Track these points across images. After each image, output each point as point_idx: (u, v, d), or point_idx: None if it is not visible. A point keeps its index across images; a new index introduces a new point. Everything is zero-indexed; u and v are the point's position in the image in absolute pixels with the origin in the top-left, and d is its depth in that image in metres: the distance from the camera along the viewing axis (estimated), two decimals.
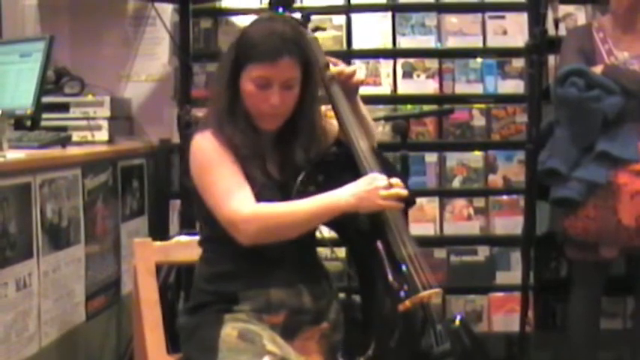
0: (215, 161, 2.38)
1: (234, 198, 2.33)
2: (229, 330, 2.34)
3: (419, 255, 2.39)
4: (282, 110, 2.41)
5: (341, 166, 2.49)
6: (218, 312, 2.38)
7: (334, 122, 2.59)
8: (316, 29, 2.80)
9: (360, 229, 2.46)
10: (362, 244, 2.49)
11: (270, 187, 2.40)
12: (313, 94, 2.48)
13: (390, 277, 2.39)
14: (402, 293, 2.35)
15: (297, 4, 4.42)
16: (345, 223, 2.46)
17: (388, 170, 2.44)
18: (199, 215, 2.54)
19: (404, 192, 2.36)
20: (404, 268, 2.35)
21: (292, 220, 2.34)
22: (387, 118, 3.93)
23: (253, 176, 2.38)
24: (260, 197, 2.35)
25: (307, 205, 2.33)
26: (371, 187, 2.31)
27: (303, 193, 2.39)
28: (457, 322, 2.51)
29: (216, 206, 2.35)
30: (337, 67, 2.61)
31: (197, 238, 2.60)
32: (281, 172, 2.46)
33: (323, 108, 2.59)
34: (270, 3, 2.86)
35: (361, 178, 2.36)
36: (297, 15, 2.79)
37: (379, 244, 2.41)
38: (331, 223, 2.50)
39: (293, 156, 2.45)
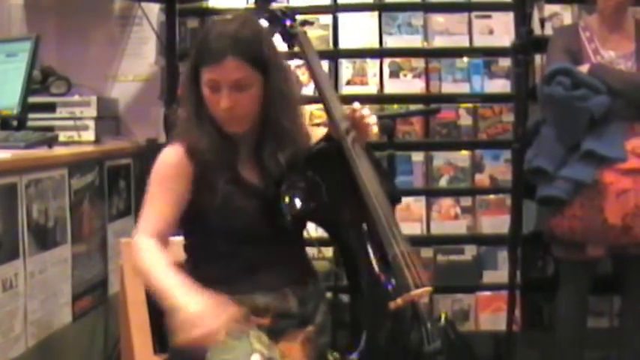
0: (156, 182, 2.40)
1: (144, 221, 2.36)
2: None
3: (411, 253, 2.41)
4: (239, 113, 2.37)
5: (330, 161, 2.48)
6: None
7: (318, 130, 2.60)
8: (304, 23, 2.80)
9: (350, 227, 2.46)
10: (352, 243, 2.49)
11: (241, 194, 2.40)
12: (278, 93, 2.42)
13: (381, 276, 2.40)
14: (393, 291, 2.36)
15: (284, 4, 4.43)
16: (333, 221, 2.47)
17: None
18: (182, 229, 2.52)
19: None
20: (397, 265, 2.36)
21: (145, 278, 2.28)
22: None
23: (216, 186, 2.37)
24: (227, 206, 2.37)
25: (160, 282, 2.18)
26: (191, 327, 2.05)
27: (292, 194, 2.39)
28: (443, 320, 2.52)
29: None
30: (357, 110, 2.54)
31: (175, 239, 2.57)
32: (260, 178, 2.46)
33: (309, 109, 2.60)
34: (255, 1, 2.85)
35: (184, 316, 2.06)
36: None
37: (369, 242, 2.42)
38: (320, 222, 2.50)
39: (264, 160, 2.44)
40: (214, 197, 2.37)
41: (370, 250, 2.44)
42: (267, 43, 2.42)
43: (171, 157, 2.41)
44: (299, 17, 2.85)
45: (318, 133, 2.60)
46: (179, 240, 2.56)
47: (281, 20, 2.78)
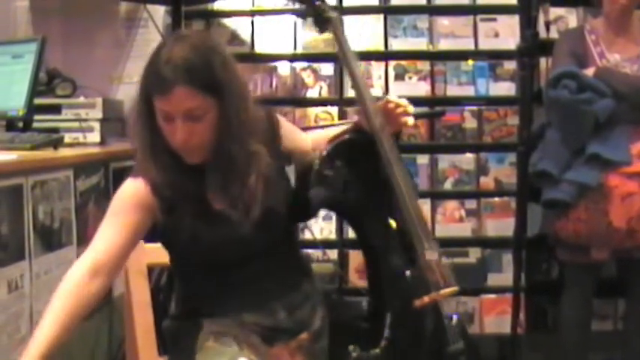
0: (112, 212, 2.27)
1: (86, 251, 2.23)
2: (206, 335, 2.33)
3: (439, 252, 2.39)
4: (196, 143, 2.20)
5: (359, 152, 2.45)
6: (197, 317, 2.36)
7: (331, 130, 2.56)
8: (335, 8, 2.65)
9: (376, 220, 2.45)
10: (376, 235, 2.47)
11: (211, 225, 2.26)
12: (228, 121, 2.21)
13: (405, 272, 2.39)
14: (419, 289, 2.35)
15: (290, 7, 4.45)
16: (359, 212, 2.45)
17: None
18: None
19: None
20: (424, 263, 2.35)
21: None
22: None
23: (182, 223, 2.25)
24: (197, 242, 2.26)
25: (40, 324, 2.11)
26: None
27: (322, 178, 2.37)
28: (456, 320, 2.51)
29: None
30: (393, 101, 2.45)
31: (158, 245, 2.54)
32: (230, 200, 2.27)
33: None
34: None
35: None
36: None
37: (395, 236, 2.41)
38: (346, 213, 2.48)
39: (220, 189, 2.27)
40: (181, 234, 2.26)
41: (396, 245, 2.42)
42: (221, 65, 2.20)
43: (131, 190, 2.27)
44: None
45: (324, 134, 2.57)
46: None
47: (316, 5, 2.62)
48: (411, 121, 2.45)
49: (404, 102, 2.45)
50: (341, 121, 4.25)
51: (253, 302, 2.35)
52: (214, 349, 2.29)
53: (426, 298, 2.33)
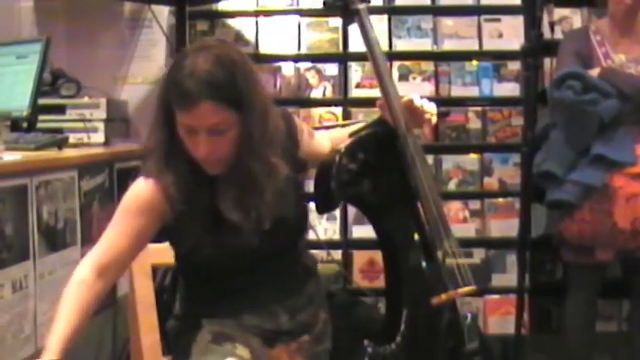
0: (121, 212, 2.28)
1: (92, 251, 2.23)
2: (205, 334, 2.33)
3: (459, 250, 2.40)
4: (218, 156, 2.18)
5: (380, 145, 2.44)
6: (198, 317, 2.37)
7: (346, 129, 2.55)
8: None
9: (396, 214, 2.44)
10: (396, 231, 2.46)
11: (218, 234, 2.24)
12: (249, 136, 2.19)
13: (429, 270, 2.39)
14: (437, 287, 2.34)
15: (293, 7, 4.45)
16: (380, 206, 2.44)
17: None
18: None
19: None
20: (443, 261, 2.35)
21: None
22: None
23: (187, 233, 2.25)
24: (200, 254, 2.26)
25: (56, 319, 2.13)
26: None
27: (344, 171, 2.37)
28: (470, 319, 2.51)
29: None
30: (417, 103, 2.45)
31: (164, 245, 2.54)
32: (242, 209, 2.24)
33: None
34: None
35: None
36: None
37: (415, 232, 2.41)
38: (366, 206, 2.48)
39: (230, 203, 2.24)
40: (185, 241, 2.28)
41: (416, 241, 2.42)
42: (244, 79, 2.16)
43: (140, 191, 2.27)
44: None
45: (344, 132, 2.55)
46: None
47: None
48: (434, 119, 2.46)
49: (429, 108, 2.46)
50: (345, 122, 4.26)
51: (254, 306, 2.35)
52: (207, 347, 2.29)
53: (443, 296, 2.33)
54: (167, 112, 2.19)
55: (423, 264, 2.42)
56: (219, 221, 2.24)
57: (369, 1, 2.56)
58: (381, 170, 2.45)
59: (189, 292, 2.44)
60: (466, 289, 2.35)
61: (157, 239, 2.35)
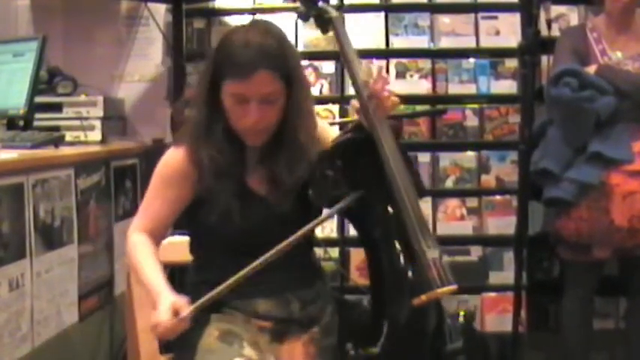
0: (157, 182, 2.43)
1: (138, 216, 2.45)
2: (212, 330, 2.35)
3: (438, 250, 2.38)
4: (264, 125, 2.30)
5: (358, 151, 2.44)
6: (205, 312, 2.35)
7: (329, 133, 2.55)
8: (338, 7, 2.66)
9: (377, 219, 2.45)
10: (377, 235, 2.46)
11: (245, 206, 2.34)
12: (298, 107, 2.34)
13: (406, 271, 2.39)
14: (417, 287, 2.35)
15: (290, 4, 4.44)
16: (360, 212, 2.45)
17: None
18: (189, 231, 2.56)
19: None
20: (422, 261, 2.35)
21: (133, 270, 2.42)
22: None
23: (217, 199, 2.33)
24: (227, 220, 2.33)
25: (146, 272, 2.32)
26: (154, 321, 2.17)
27: (322, 181, 2.38)
28: (462, 318, 2.51)
29: None
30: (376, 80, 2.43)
31: (181, 239, 2.62)
32: (267, 186, 2.39)
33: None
34: None
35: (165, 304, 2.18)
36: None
37: (396, 235, 2.41)
38: (347, 212, 2.49)
39: (276, 171, 2.37)
40: (215, 210, 2.34)
41: (396, 244, 2.42)
42: (292, 53, 2.33)
43: (174, 160, 2.40)
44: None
45: (332, 134, 2.56)
46: (186, 240, 2.57)
47: (317, 5, 2.61)
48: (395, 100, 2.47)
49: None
50: (342, 120, 4.26)
51: (269, 290, 2.39)
52: (214, 345, 2.31)
53: (423, 297, 2.33)
54: (213, 87, 2.30)
55: (404, 265, 2.42)
56: (246, 192, 2.38)
57: (343, 8, 2.58)
58: (360, 175, 2.46)
59: (206, 275, 2.43)
60: (445, 289, 2.35)
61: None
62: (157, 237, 2.42)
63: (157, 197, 2.41)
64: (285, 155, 2.36)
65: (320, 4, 2.61)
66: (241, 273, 2.17)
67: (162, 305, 2.16)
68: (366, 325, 2.47)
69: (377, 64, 4.42)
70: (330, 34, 2.64)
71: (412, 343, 2.41)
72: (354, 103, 2.48)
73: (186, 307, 2.15)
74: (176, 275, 3.43)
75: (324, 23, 2.61)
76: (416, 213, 2.39)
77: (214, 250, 2.42)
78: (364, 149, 2.42)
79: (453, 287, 2.35)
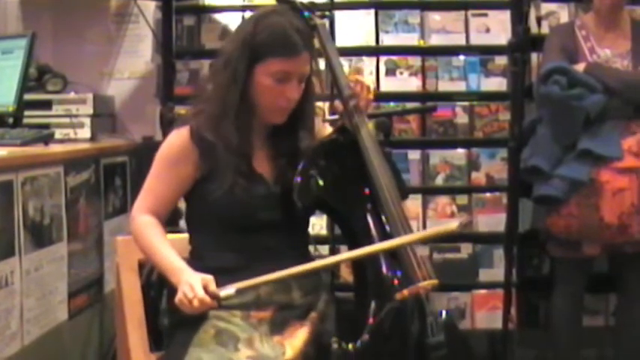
0: (160, 163, 2.49)
1: (141, 198, 2.50)
2: (208, 327, 2.35)
3: (417, 245, 2.44)
4: (294, 103, 2.44)
5: (342, 151, 2.50)
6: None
7: (321, 130, 2.62)
8: (323, 16, 2.77)
9: (359, 217, 2.46)
10: (360, 233, 2.49)
11: (249, 185, 2.42)
12: (312, 91, 2.52)
13: (387, 266, 2.41)
14: (399, 282, 2.37)
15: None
16: (343, 210, 2.48)
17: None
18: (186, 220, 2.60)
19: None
20: (404, 257, 2.37)
21: (144, 251, 2.48)
22: (370, 116, 3.92)
23: (223, 176, 2.40)
24: (232, 197, 2.39)
25: (162, 251, 2.40)
26: (189, 295, 2.23)
27: (305, 179, 2.42)
28: (445, 316, 2.53)
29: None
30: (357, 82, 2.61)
31: (180, 235, 2.63)
32: (271, 166, 2.48)
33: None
34: None
35: (188, 280, 2.26)
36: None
37: (378, 233, 2.43)
38: (330, 211, 2.51)
39: (292, 146, 2.48)
40: (221, 185, 2.40)
41: (379, 239, 2.44)
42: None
43: (179, 140, 2.45)
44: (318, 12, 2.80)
45: (324, 132, 2.60)
46: (183, 236, 2.58)
47: (300, 11, 2.67)
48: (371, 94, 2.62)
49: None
50: (334, 117, 4.25)
51: (274, 272, 2.37)
52: (209, 343, 2.32)
53: (405, 291, 2.36)
54: (244, 68, 2.38)
55: (386, 261, 2.44)
56: (251, 171, 2.45)
57: (330, 16, 2.69)
58: (342, 175, 2.53)
59: (208, 263, 2.43)
60: (426, 283, 2.37)
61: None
62: (161, 218, 2.49)
63: (161, 178, 2.47)
64: (303, 130, 2.51)
65: (305, 13, 2.68)
66: (282, 273, 2.24)
67: (193, 280, 2.25)
68: (350, 320, 2.49)
69: (367, 61, 4.42)
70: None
71: (394, 338, 2.43)
72: (337, 104, 2.60)
73: (212, 283, 2.24)
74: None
75: (311, 29, 2.66)
76: (397, 211, 2.44)
77: (219, 232, 2.45)
78: (347, 150, 2.49)
79: (434, 281, 2.39)
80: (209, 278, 2.25)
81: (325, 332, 2.47)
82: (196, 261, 2.46)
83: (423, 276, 2.39)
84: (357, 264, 2.52)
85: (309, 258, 2.59)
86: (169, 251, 2.39)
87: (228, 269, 2.37)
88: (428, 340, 2.40)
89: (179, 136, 2.45)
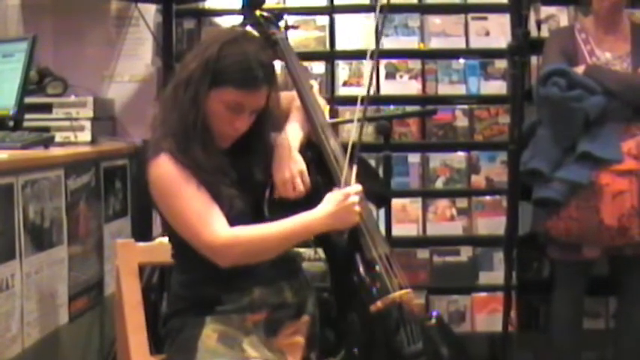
0: (180, 187, 2.34)
1: (209, 223, 2.32)
2: (209, 332, 2.36)
3: (390, 256, 2.44)
4: (240, 133, 2.40)
5: (313, 170, 2.50)
6: (199, 314, 2.39)
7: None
8: (288, 27, 2.80)
9: (337, 233, 2.47)
10: (338, 248, 2.50)
11: (240, 197, 2.39)
12: (271, 114, 2.46)
13: (367, 280, 2.42)
14: (374, 294, 2.38)
15: (280, 5, 4.43)
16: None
17: (361, 169, 2.45)
18: (168, 234, 2.53)
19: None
20: (376, 268, 2.38)
21: (271, 243, 2.36)
22: (370, 119, 3.93)
23: (221, 192, 2.35)
24: (232, 210, 2.36)
25: (284, 228, 2.35)
26: (346, 205, 2.31)
27: (274, 203, 2.42)
28: (433, 320, 2.53)
29: (190, 234, 2.35)
30: None
31: (170, 242, 2.58)
32: (240, 187, 2.42)
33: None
34: (242, 6, 2.81)
35: (334, 193, 2.35)
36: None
37: (351, 246, 2.44)
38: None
39: (251, 172, 2.45)
40: (226, 201, 2.36)
41: (356, 255, 2.45)
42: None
43: (170, 166, 2.34)
44: (283, 21, 2.83)
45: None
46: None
47: (264, 28, 2.74)
48: None
49: None
50: (334, 120, 4.25)
51: (263, 277, 2.41)
52: (216, 348, 2.33)
53: (379, 303, 2.36)
54: (204, 90, 2.33)
55: (360, 273, 2.44)
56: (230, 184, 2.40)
57: (297, 27, 2.72)
58: (313, 190, 2.49)
59: (200, 273, 2.42)
60: (396, 293, 2.38)
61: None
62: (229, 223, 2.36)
63: (197, 194, 2.33)
64: (258, 157, 2.47)
65: (270, 29, 2.75)
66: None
67: (340, 196, 2.33)
68: (332, 326, 2.51)
69: (367, 64, 4.42)
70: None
71: (372, 350, 2.43)
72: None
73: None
74: (165, 276, 3.44)
75: (270, 44, 2.71)
76: (369, 221, 2.44)
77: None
78: (318, 168, 2.51)
79: (406, 291, 2.39)
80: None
81: (317, 336, 2.50)
82: (183, 273, 2.49)
83: (394, 286, 2.39)
84: (337, 277, 2.53)
85: (295, 260, 2.60)
86: (283, 225, 2.35)
87: (221, 277, 2.37)
88: (405, 351, 2.39)
89: (167, 163, 2.34)
